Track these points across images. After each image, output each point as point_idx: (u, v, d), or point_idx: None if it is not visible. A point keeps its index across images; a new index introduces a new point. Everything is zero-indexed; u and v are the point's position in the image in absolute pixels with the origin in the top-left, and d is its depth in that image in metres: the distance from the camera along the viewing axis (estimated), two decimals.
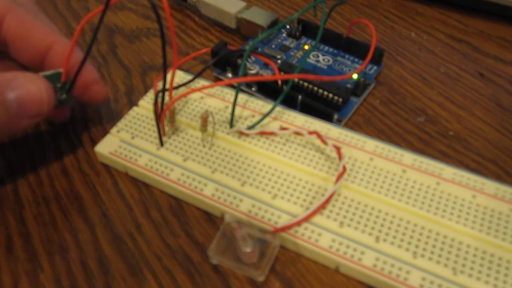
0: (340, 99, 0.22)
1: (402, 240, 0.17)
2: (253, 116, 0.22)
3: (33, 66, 0.21)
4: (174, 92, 0.22)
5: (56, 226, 0.19)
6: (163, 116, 0.20)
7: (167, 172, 0.20)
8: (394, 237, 0.17)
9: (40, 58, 0.21)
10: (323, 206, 0.18)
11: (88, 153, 0.22)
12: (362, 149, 0.20)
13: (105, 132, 0.22)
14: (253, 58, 0.25)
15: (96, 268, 0.18)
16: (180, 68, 0.25)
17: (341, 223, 0.18)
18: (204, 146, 0.21)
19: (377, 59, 0.25)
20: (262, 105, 0.22)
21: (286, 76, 0.22)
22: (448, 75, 0.25)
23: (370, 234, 0.17)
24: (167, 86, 0.20)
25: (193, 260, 0.18)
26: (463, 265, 0.17)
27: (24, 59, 0.21)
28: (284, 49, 0.26)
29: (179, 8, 0.30)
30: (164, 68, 0.19)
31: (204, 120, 0.20)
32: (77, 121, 0.23)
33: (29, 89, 0.18)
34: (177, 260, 0.18)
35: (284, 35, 0.27)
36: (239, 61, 0.24)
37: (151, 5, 0.17)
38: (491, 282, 0.16)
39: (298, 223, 0.18)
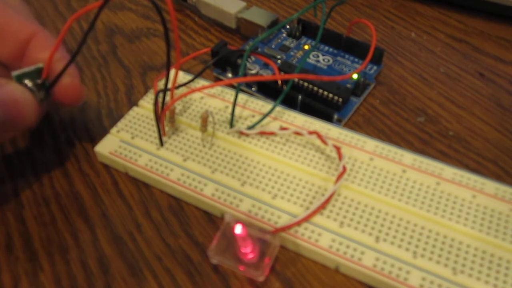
0: (340, 99, 0.22)
1: (402, 240, 0.17)
2: (253, 116, 0.22)
3: (13, 62, 0.20)
4: (174, 92, 0.22)
5: (56, 226, 0.19)
6: (163, 116, 0.20)
7: (167, 172, 0.20)
8: (394, 237, 0.17)
9: (20, 51, 0.20)
10: (323, 206, 0.18)
11: (88, 153, 0.22)
12: (362, 149, 0.20)
13: (105, 132, 0.22)
14: (253, 58, 0.25)
15: (96, 268, 0.18)
16: (180, 68, 0.25)
17: (341, 223, 0.18)
18: (204, 146, 0.21)
19: (377, 59, 0.25)
20: (262, 105, 0.22)
21: (286, 76, 0.22)
22: (448, 75, 0.25)
23: (370, 234, 0.17)
24: (169, 86, 0.20)
25: (193, 260, 0.18)
26: (463, 265, 0.17)
27: (2, 53, 0.20)
28: (284, 49, 0.26)
29: (179, 8, 0.30)
30: (168, 68, 0.19)
31: (204, 120, 0.20)
32: (77, 121, 0.23)
33: (15, 99, 0.18)
34: (177, 260, 0.18)
35: (284, 35, 0.27)
36: (239, 61, 0.24)
37: (154, 7, 0.17)
38: (491, 282, 0.16)
39: (298, 223, 0.18)
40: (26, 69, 0.19)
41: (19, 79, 0.19)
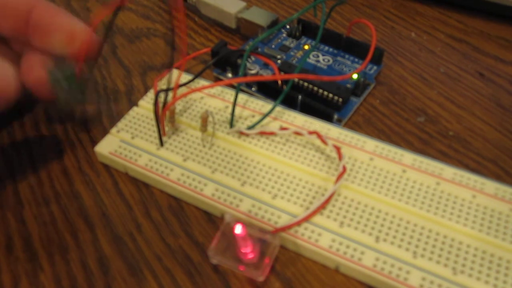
0: (340, 99, 0.22)
1: (402, 240, 0.17)
2: (253, 116, 0.22)
3: (15, 35, 0.20)
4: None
5: (56, 226, 0.19)
6: (163, 116, 0.20)
7: (167, 172, 0.20)
8: (394, 237, 0.17)
9: (22, 24, 0.20)
10: (323, 206, 0.18)
11: (88, 153, 0.22)
12: (362, 149, 0.20)
13: (105, 132, 0.22)
14: (253, 58, 0.25)
15: (96, 268, 0.18)
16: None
17: (341, 223, 0.18)
18: (204, 146, 0.21)
19: (377, 59, 0.25)
20: (262, 105, 0.22)
21: (286, 76, 0.22)
22: (448, 75, 0.25)
23: (370, 234, 0.17)
24: (169, 85, 0.20)
25: (193, 260, 0.18)
26: (463, 265, 0.17)
27: (4, 27, 0.20)
28: (284, 49, 0.26)
29: None
30: (170, 67, 0.19)
31: (204, 120, 0.20)
32: (77, 121, 0.23)
33: None
34: (177, 260, 0.18)
35: (284, 35, 0.27)
36: (239, 61, 0.24)
37: (169, 13, 0.17)
38: (491, 282, 0.16)
39: (298, 223, 0.18)
40: (60, 67, 0.20)
41: (54, 75, 0.20)
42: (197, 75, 0.22)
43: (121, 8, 0.18)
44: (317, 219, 0.18)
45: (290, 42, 0.27)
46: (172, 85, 0.20)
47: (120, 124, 0.22)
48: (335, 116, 0.22)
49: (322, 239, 0.17)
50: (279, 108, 0.22)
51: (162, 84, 0.23)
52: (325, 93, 0.22)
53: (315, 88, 0.22)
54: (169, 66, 0.19)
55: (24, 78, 0.20)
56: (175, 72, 0.21)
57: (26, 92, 0.20)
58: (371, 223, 0.18)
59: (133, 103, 0.24)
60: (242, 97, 0.22)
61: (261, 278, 0.17)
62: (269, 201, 0.19)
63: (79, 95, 0.20)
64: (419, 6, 0.30)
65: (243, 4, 0.27)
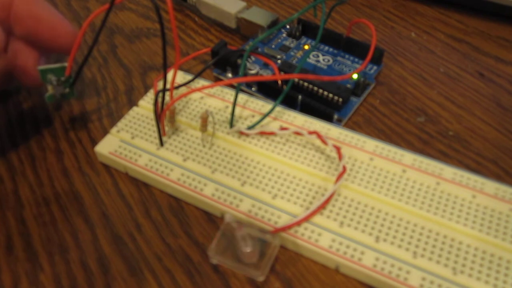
0: (340, 99, 0.22)
1: (402, 240, 0.17)
2: (253, 116, 0.22)
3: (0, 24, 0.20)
4: (174, 92, 0.22)
5: (56, 226, 0.19)
6: (163, 116, 0.20)
7: (167, 172, 0.20)
8: (394, 237, 0.17)
9: (4, 13, 0.20)
10: (323, 206, 0.18)
11: (88, 153, 0.22)
12: (362, 149, 0.20)
13: (105, 132, 0.22)
14: (253, 58, 0.25)
15: (96, 268, 0.18)
16: (180, 68, 0.25)
17: (341, 223, 0.18)
18: (204, 146, 0.21)
19: (377, 59, 0.25)
20: (262, 105, 0.22)
21: (286, 76, 0.22)
22: (448, 75, 0.25)
23: (370, 234, 0.17)
24: (168, 86, 0.20)
25: (193, 260, 0.18)
26: (463, 265, 0.17)
27: None
28: (284, 49, 0.26)
29: (179, 8, 0.30)
30: (165, 68, 0.19)
31: (204, 120, 0.20)
32: (77, 121, 0.23)
33: None
34: (177, 260, 0.18)
35: (284, 35, 0.27)
36: (239, 61, 0.24)
37: (153, 6, 0.17)
38: (491, 282, 0.16)
39: (298, 223, 0.18)
40: (51, 66, 0.20)
41: (44, 73, 0.20)
42: (197, 75, 0.22)
43: (113, 5, 0.19)
44: (317, 219, 0.18)
45: (290, 42, 0.27)
46: (173, 85, 0.20)
47: (120, 124, 0.22)
48: (335, 116, 0.22)
49: (322, 239, 0.17)
50: (279, 108, 0.22)
51: (162, 84, 0.23)
52: (325, 93, 0.22)
53: (315, 88, 0.23)
54: (165, 67, 0.19)
55: (11, 64, 0.21)
56: (173, 72, 0.21)
57: (13, 79, 0.21)
58: (371, 223, 0.18)
59: (133, 103, 0.24)
60: (242, 97, 0.22)
61: (261, 278, 0.17)
62: (269, 201, 0.19)
63: (67, 91, 0.21)
64: (419, 6, 0.30)
65: (243, 4, 0.27)
